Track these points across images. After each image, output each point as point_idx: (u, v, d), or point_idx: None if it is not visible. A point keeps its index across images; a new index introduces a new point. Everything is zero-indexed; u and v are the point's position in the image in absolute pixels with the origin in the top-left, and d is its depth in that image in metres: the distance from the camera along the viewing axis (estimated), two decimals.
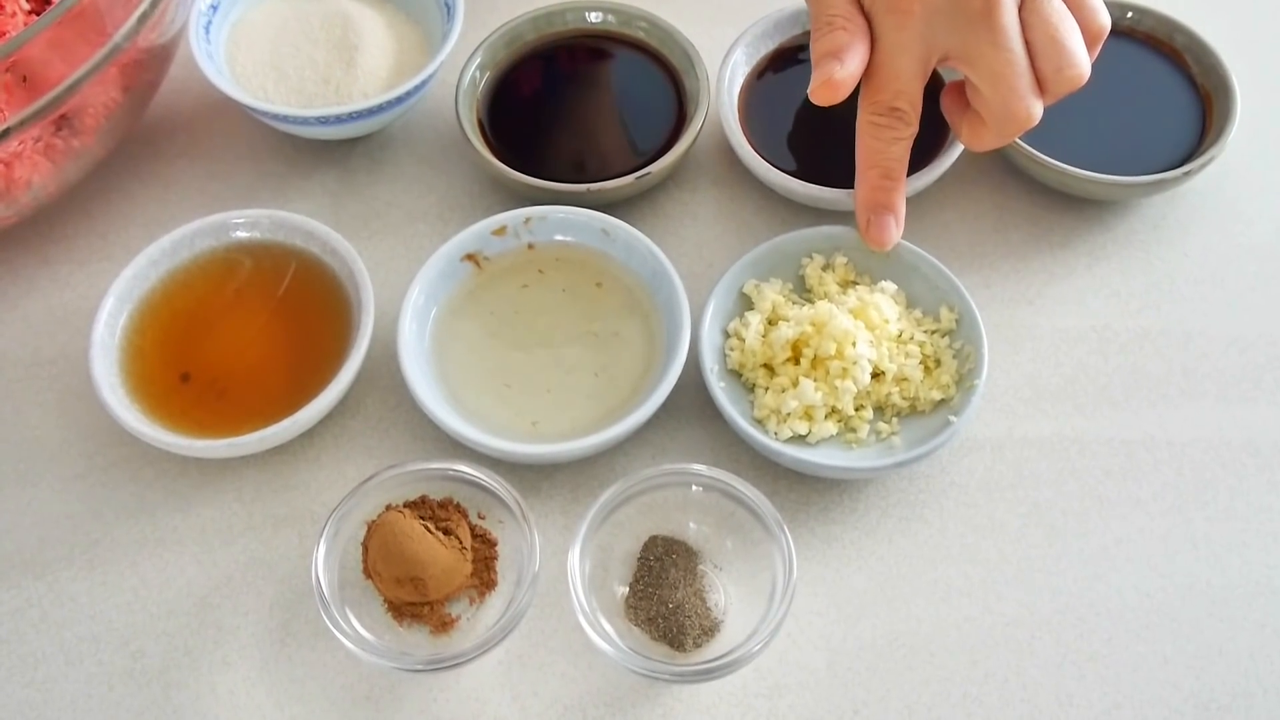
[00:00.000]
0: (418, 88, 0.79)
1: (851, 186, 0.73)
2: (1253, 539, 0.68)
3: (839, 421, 0.69)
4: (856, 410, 0.69)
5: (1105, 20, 0.67)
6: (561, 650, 0.65)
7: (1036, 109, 0.66)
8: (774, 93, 0.82)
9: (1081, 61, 0.65)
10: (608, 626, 0.62)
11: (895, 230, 0.71)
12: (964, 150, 0.77)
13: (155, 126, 0.85)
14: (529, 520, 0.63)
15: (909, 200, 0.74)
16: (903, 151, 0.70)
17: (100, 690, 0.64)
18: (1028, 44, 0.65)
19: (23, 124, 0.68)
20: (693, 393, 0.71)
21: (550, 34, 0.84)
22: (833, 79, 0.65)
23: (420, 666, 0.61)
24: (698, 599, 0.63)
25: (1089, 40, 0.66)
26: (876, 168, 0.70)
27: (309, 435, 0.71)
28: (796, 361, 0.70)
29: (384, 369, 0.74)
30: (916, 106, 0.68)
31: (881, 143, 0.69)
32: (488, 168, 0.78)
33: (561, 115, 0.82)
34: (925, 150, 0.78)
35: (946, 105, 0.73)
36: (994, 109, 0.66)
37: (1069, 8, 0.66)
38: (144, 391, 0.70)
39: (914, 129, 0.69)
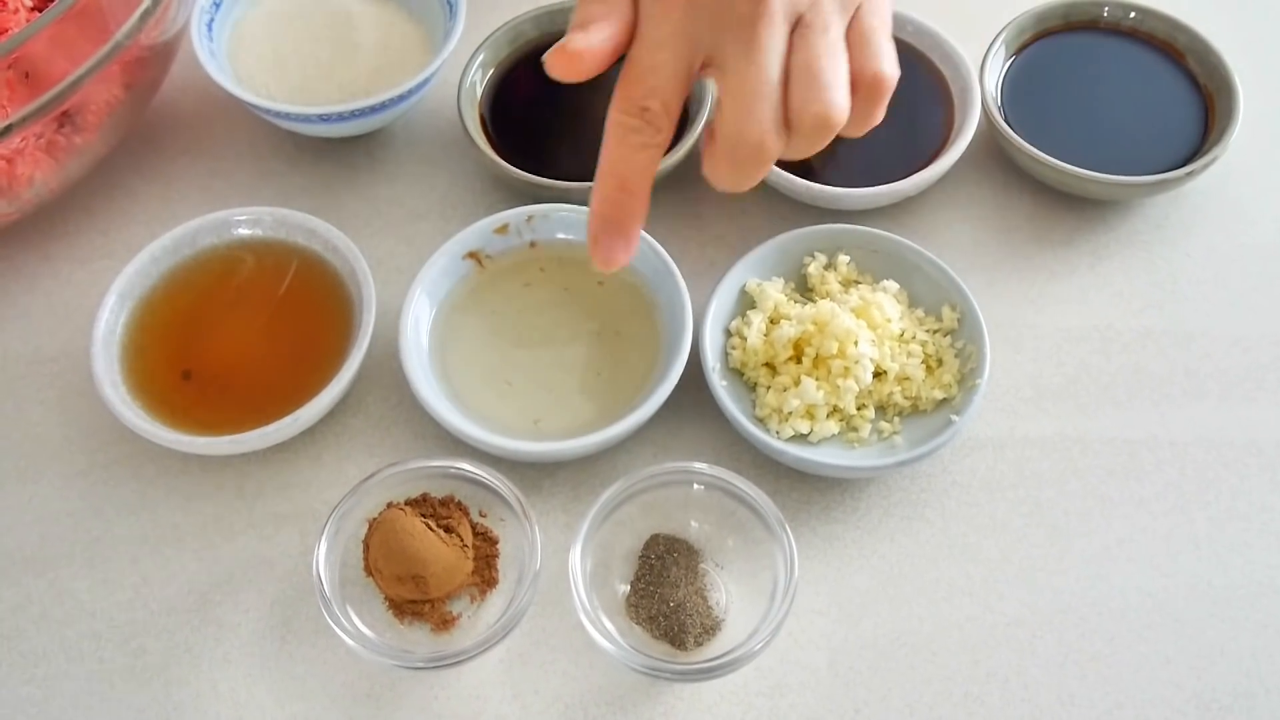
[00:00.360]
0: (420, 85, 0.79)
1: (859, 185, 0.73)
2: (1255, 539, 0.68)
3: (841, 420, 0.69)
4: (858, 409, 0.69)
5: (884, 68, 0.57)
6: (562, 648, 0.65)
7: (771, 140, 0.55)
8: None
9: (832, 101, 0.55)
10: (609, 625, 0.62)
11: (623, 253, 0.57)
12: (966, 149, 0.77)
13: (157, 124, 0.85)
14: (531, 518, 0.63)
15: (911, 200, 0.74)
16: (648, 161, 0.57)
17: (102, 687, 0.64)
18: (786, 69, 0.55)
19: (25, 120, 0.68)
20: (694, 391, 0.71)
21: (553, 32, 0.84)
22: (567, 47, 0.56)
23: (421, 664, 0.61)
24: (699, 597, 0.63)
25: (862, 86, 0.56)
26: (614, 176, 0.57)
27: (310, 433, 0.71)
28: (798, 360, 0.70)
29: (385, 367, 0.73)
30: (671, 110, 0.56)
31: (626, 148, 0.56)
32: (490, 166, 0.78)
33: (563, 113, 0.82)
34: (927, 148, 0.78)
35: (705, 129, 0.60)
36: (726, 127, 0.56)
37: (850, 47, 0.57)
38: (145, 389, 0.70)
39: (665, 135, 0.56)
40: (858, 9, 0.57)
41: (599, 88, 0.84)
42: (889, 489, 0.70)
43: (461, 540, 0.65)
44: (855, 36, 0.57)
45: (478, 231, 0.74)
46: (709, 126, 0.57)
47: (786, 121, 0.55)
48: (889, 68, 0.57)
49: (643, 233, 0.73)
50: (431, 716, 0.63)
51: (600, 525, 0.64)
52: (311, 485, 0.70)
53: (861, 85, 0.56)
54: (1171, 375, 0.74)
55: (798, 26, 0.55)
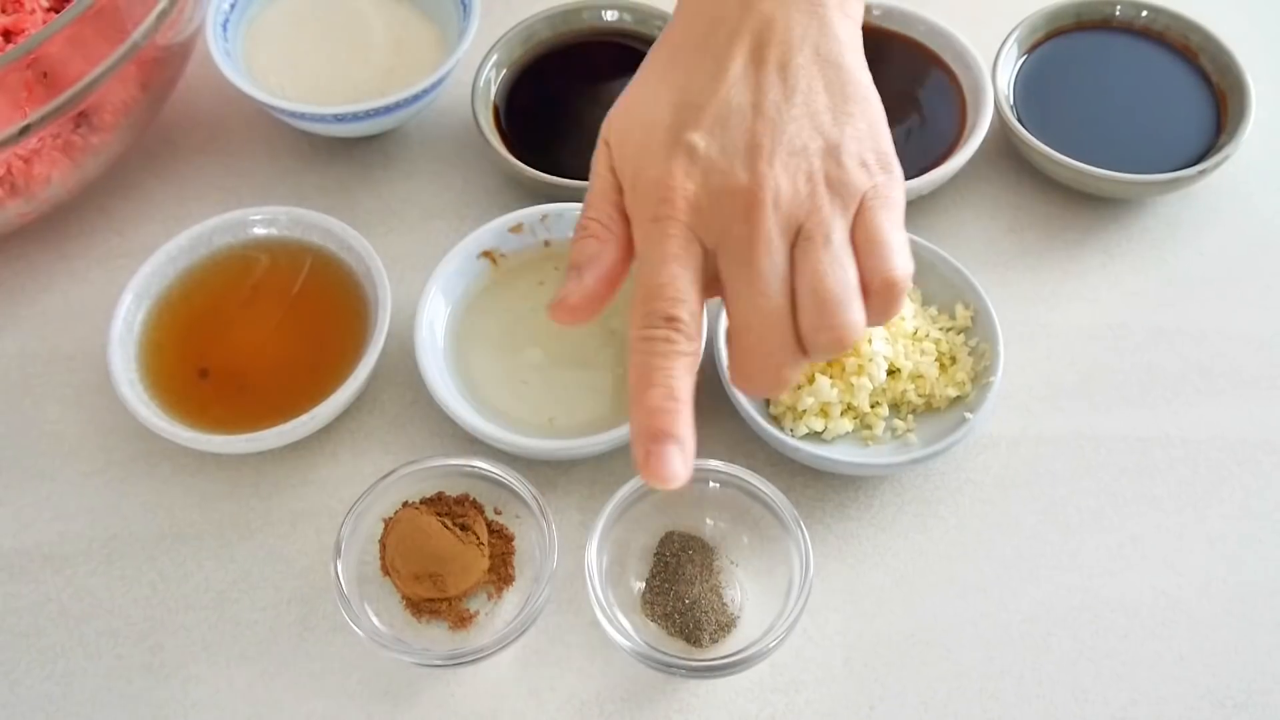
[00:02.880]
0: (434, 85, 0.79)
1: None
2: (1268, 536, 0.68)
3: (855, 418, 0.69)
4: (872, 407, 0.69)
5: (895, 272, 0.52)
6: (578, 645, 0.65)
7: (789, 372, 0.53)
8: None
9: (844, 324, 0.51)
10: (624, 621, 0.62)
11: (681, 463, 0.51)
12: (979, 148, 0.77)
13: (173, 124, 0.85)
14: (547, 516, 0.64)
15: (924, 198, 0.74)
16: (689, 367, 0.52)
17: (120, 684, 0.64)
18: (794, 290, 0.52)
19: (43, 121, 0.69)
20: (709, 389, 0.71)
21: (566, 32, 0.85)
22: (566, 301, 0.54)
23: (439, 661, 0.61)
24: (714, 594, 0.64)
25: (873, 292, 0.52)
26: (658, 387, 0.51)
27: (326, 431, 0.71)
28: None
29: (401, 365, 0.74)
30: (697, 317, 0.53)
31: (662, 358, 0.51)
32: (504, 165, 0.78)
33: (577, 112, 0.83)
34: (939, 147, 0.78)
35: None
36: (740, 357, 0.54)
37: (857, 251, 0.52)
38: (162, 387, 0.71)
39: (697, 344, 0.53)
40: (861, 201, 0.53)
41: (613, 87, 0.85)
42: (903, 486, 0.70)
43: (477, 538, 0.65)
44: (861, 238, 0.52)
45: (492, 230, 0.74)
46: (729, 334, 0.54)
47: (800, 344, 0.52)
48: (900, 269, 0.52)
49: None
50: (448, 713, 0.63)
51: (615, 522, 0.64)
52: (328, 483, 0.71)
53: (872, 292, 0.52)
54: (1184, 373, 0.74)
55: (798, 240, 0.52)
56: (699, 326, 0.53)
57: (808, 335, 0.52)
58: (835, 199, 0.52)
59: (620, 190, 0.56)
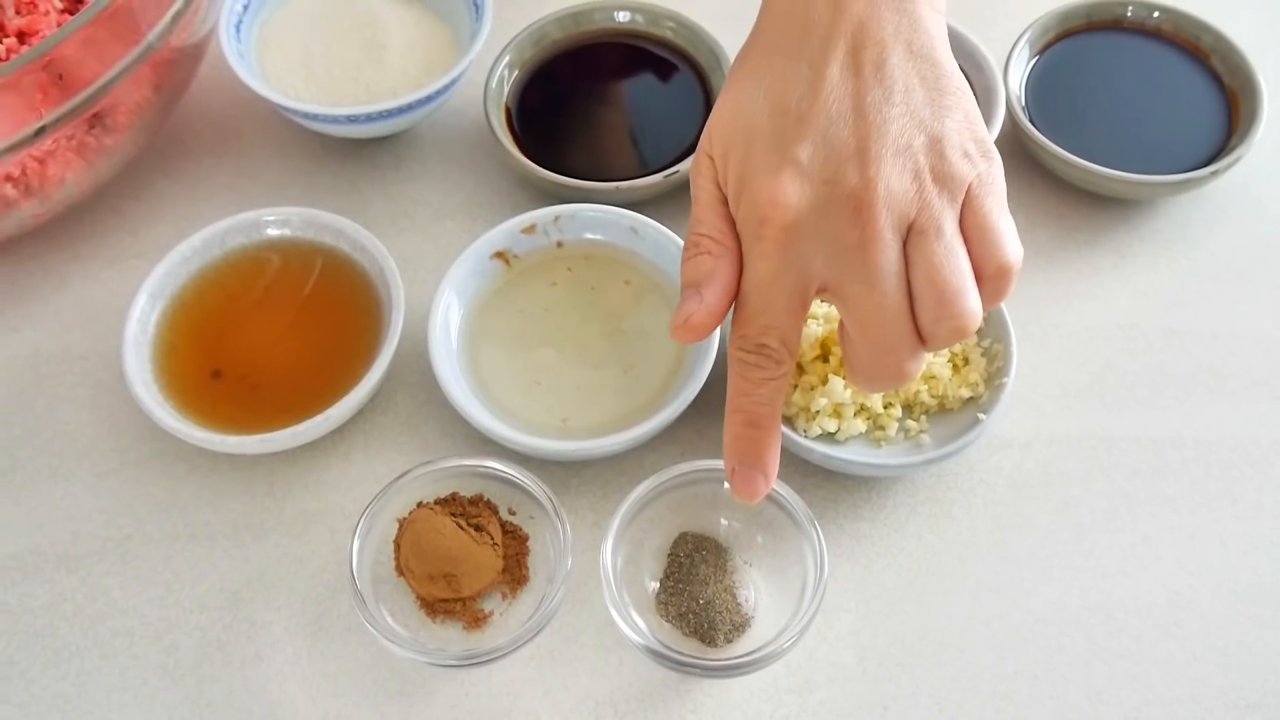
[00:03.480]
0: (447, 86, 0.79)
1: None
2: None
3: (868, 419, 0.69)
4: (885, 408, 0.70)
5: (1008, 257, 0.53)
6: (592, 645, 0.65)
7: (911, 365, 0.54)
8: None
9: (963, 313, 0.52)
10: (640, 621, 0.62)
11: (764, 485, 0.57)
12: None
13: (186, 125, 0.86)
14: (562, 516, 0.64)
15: None
16: (773, 393, 0.56)
17: (134, 684, 0.65)
18: (909, 284, 0.53)
19: (58, 122, 0.69)
20: (722, 390, 0.70)
21: (578, 33, 0.85)
22: (690, 321, 0.55)
23: (455, 662, 0.61)
24: (728, 595, 0.64)
25: (987, 279, 0.53)
26: (742, 413, 0.56)
27: (340, 431, 0.72)
28: (825, 359, 0.70)
29: (414, 366, 0.74)
30: (789, 343, 0.55)
31: (748, 382, 0.56)
32: (516, 166, 0.78)
33: (589, 114, 0.83)
34: None
35: (839, 332, 0.58)
36: (858, 356, 0.55)
37: (968, 240, 0.53)
38: (176, 387, 0.71)
39: (787, 368, 0.55)
40: (968, 191, 0.53)
41: (624, 88, 0.85)
42: (916, 487, 0.70)
43: (491, 538, 0.65)
44: (971, 227, 0.53)
45: (505, 231, 0.75)
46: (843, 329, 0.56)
47: (919, 335, 0.53)
48: (1013, 254, 0.53)
49: (669, 232, 0.74)
50: (463, 713, 0.63)
51: (631, 521, 0.64)
52: (341, 483, 0.71)
53: (986, 278, 0.53)
54: (1196, 374, 0.74)
55: (910, 235, 0.52)
56: (794, 348, 0.55)
57: (927, 327, 0.52)
58: (943, 192, 0.52)
59: (725, 202, 0.56)
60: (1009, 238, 0.53)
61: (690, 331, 0.56)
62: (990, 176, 0.54)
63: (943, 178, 0.53)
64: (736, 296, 0.56)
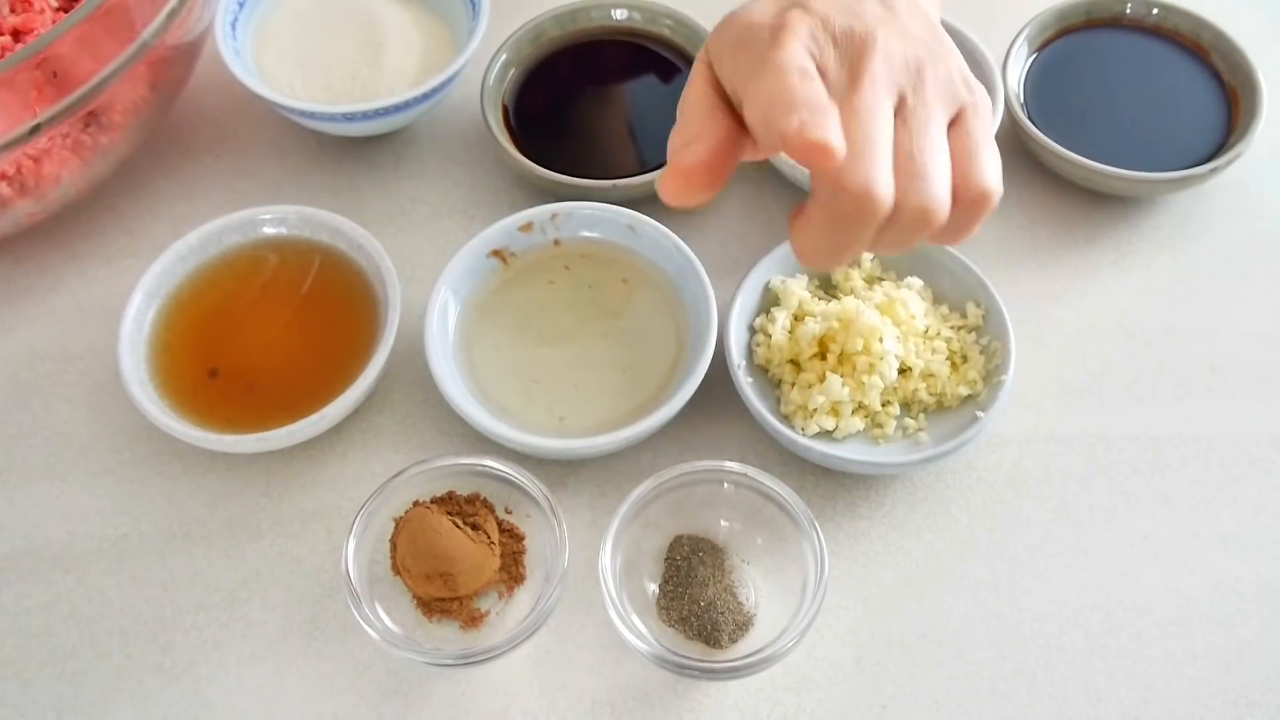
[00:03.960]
0: (443, 84, 0.79)
1: None
2: None
3: (866, 417, 0.69)
4: (883, 406, 0.69)
5: (990, 184, 0.50)
6: (589, 645, 0.65)
7: (883, 189, 0.48)
8: None
9: (935, 195, 0.49)
10: (639, 624, 0.62)
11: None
12: None
13: (182, 123, 0.85)
14: (558, 515, 0.63)
15: None
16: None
17: (130, 684, 0.64)
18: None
19: (53, 120, 0.68)
20: (719, 388, 0.71)
21: (575, 30, 0.85)
22: (679, 163, 0.51)
23: (451, 661, 0.61)
24: (729, 594, 0.63)
25: (964, 199, 0.50)
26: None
27: (336, 430, 0.71)
28: (823, 357, 0.70)
29: (410, 364, 0.74)
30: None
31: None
32: (513, 164, 0.78)
33: (587, 111, 0.83)
34: None
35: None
36: (825, 176, 0.49)
37: (955, 157, 0.50)
38: (172, 387, 0.71)
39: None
40: (961, 110, 0.52)
41: (622, 85, 0.85)
42: (914, 485, 0.70)
43: (488, 537, 0.65)
44: (959, 142, 0.51)
45: (502, 229, 0.74)
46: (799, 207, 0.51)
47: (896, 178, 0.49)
48: (994, 182, 0.51)
49: (666, 230, 0.73)
50: (459, 713, 0.63)
51: (630, 523, 0.64)
52: (338, 482, 0.70)
53: (964, 199, 0.50)
54: (1195, 371, 0.74)
55: (900, 109, 0.50)
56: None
57: (897, 198, 0.48)
58: (939, 88, 0.51)
59: (720, 92, 0.53)
60: (995, 167, 0.51)
61: (678, 175, 0.51)
62: (981, 109, 0.52)
63: (942, 80, 0.51)
64: (754, 92, 0.50)
